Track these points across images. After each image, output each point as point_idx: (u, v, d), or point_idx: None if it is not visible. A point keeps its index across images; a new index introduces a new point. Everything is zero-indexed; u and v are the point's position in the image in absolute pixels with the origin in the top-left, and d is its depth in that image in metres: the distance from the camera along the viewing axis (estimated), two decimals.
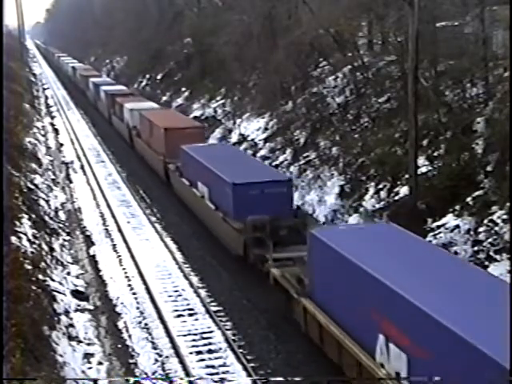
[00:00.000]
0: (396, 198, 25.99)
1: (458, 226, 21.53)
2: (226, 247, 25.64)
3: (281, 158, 35.69)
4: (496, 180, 21.69)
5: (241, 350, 18.83)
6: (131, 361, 18.71)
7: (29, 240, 23.97)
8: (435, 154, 25.76)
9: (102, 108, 64.62)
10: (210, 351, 19.03)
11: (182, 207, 32.60)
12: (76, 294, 22.94)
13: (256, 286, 22.45)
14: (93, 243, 28.62)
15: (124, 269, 25.50)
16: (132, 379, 17.26)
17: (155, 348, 19.34)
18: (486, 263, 19.68)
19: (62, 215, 32.29)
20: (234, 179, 24.84)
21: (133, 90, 67.91)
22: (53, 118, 66.11)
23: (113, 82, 73.11)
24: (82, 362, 18.47)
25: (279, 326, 20.03)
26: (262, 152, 37.87)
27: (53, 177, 40.06)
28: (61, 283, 23.05)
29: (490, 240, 20.13)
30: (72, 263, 26.25)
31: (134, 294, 23.18)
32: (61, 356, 17.92)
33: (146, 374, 17.91)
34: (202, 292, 22.94)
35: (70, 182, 39.99)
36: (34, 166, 37.90)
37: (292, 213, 24.33)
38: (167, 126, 37.19)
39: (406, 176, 25.27)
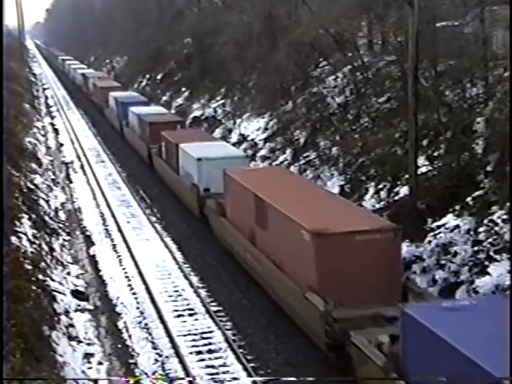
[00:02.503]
0: (396, 197, 25.98)
1: (458, 226, 21.51)
2: None
3: (281, 158, 35.70)
4: (496, 180, 21.68)
5: (241, 350, 18.83)
6: (131, 361, 18.72)
7: (29, 240, 23.97)
8: (435, 154, 25.75)
9: (134, 141, 46.84)
10: (210, 351, 19.04)
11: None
12: (76, 293, 22.94)
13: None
14: (93, 243, 28.63)
15: (124, 269, 25.51)
16: (132, 379, 17.24)
17: (155, 348, 19.35)
18: (486, 263, 19.67)
19: (62, 215, 32.30)
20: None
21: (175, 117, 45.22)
22: (53, 117, 66.11)
23: (144, 100, 54.48)
24: (81, 362, 18.47)
25: (279, 326, 20.03)
26: (262, 152, 37.88)
27: (53, 177, 40.07)
28: (61, 283, 23.05)
29: (490, 240, 20.11)
30: (72, 263, 26.25)
31: (133, 293, 23.19)
32: (61, 356, 17.92)
33: (146, 374, 17.91)
34: (202, 292, 22.95)
35: (70, 181, 39.99)
36: (34, 165, 37.91)
37: None
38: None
39: (406, 176, 25.26)
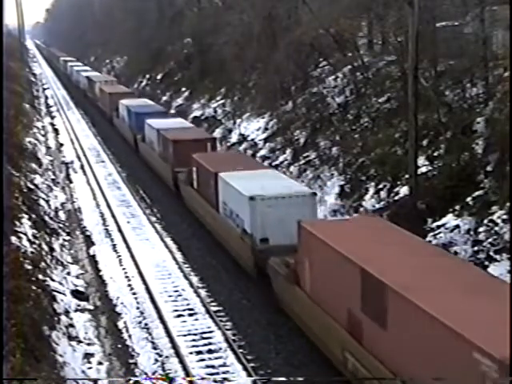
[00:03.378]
0: (396, 197, 25.99)
1: (458, 226, 21.53)
2: None
3: (281, 158, 35.70)
4: (496, 180, 21.69)
5: (241, 350, 18.83)
6: (131, 361, 18.72)
7: (29, 240, 23.97)
8: (435, 154, 25.76)
9: (153, 160, 39.72)
10: (210, 351, 19.03)
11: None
12: (76, 293, 22.94)
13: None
14: (93, 243, 28.62)
15: (124, 269, 25.50)
16: (132, 379, 17.26)
17: (155, 348, 19.34)
18: (486, 263, 19.68)
19: (62, 215, 32.29)
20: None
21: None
22: (53, 117, 66.11)
23: (161, 110, 48.16)
24: (81, 362, 18.47)
25: (279, 326, 20.02)
26: (262, 152, 37.88)
27: (53, 177, 40.07)
28: (61, 283, 23.05)
29: (490, 240, 20.13)
30: (72, 263, 26.25)
31: (133, 293, 23.18)
32: (61, 356, 17.92)
33: (145, 373, 17.92)
34: (202, 292, 22.94)
35: (70, 181, 39.99)
36: (34, 165, 37.91)
37: None
38: None
39: (406, 176, 25.27)
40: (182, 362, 18.39)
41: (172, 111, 55.25)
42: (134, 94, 60.26)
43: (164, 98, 62.34)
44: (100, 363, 18.66)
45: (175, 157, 33.58)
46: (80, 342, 19.57)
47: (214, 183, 26.72)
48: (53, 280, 22.66)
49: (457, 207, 22.31)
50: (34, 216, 27.53)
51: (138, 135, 43.79)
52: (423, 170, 25.06)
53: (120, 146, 49.83)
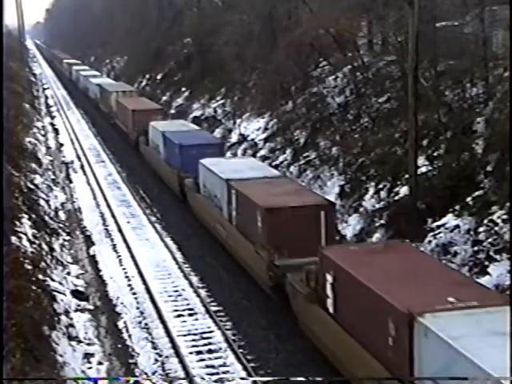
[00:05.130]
0: (396, 197, 25.98)
1: (458, 226, 21.53)
2: None
3: (281, 158, 35.69)
4: (496, 180, 21.69)
5: (241, 350, 18.83)
6: (131, 361, 18.72)
7: (29, 240, 23.97)
8: (435, 154, 25.75)
9: (234, 241, 25.19)
10: (209, 351, 19.04)
11: None
12: (76, 293, 22.95)
13: None
14: (93, 243, 28.63)
15: (124, 269, 25.51)
16: (132, 379, 17.25)
17: (155, 348, 19.35)
18: (486, 263, 19.68)
19: (62, 215, 32.30)
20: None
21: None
22: (53, 117, 66.11)
23: (218, 141, 35.81)
24: (81, 362, 18.48)
25: (279, 326, 20.03)
26: (262, 152, 37.87)
27: (53, 177, 40.08)
28: (61, 283, 23.05)
29: (490, 240, 20.13)
30: (72, 263, 26.26)
31: (133, 293, 23.19)
32: (61, 356, 17.92)
33: (145, 373, 17.92)
34: (202, 292, 22.94)
35: (70, 181, 39.99)
36: (34, 165, 37.90)
37: None
38: None
39: (406, 176, 25.26)
40: (181, 362, 18.39)
41: (172, 111, 55.24)
42: (164, 111, 48.73)
43: (164, 98, 62.33)
44: (100, 363, 18.66)
45: (270, 235, 21.52)
46: (80, 342, 19.57)
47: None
48: (53, 280, 22.66)
49: (457, 207, 22.31)
50: (34, 216, 27.53)
51: (187, 178, 31.15)
52: (423, 169, 25.05)
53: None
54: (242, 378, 17.36)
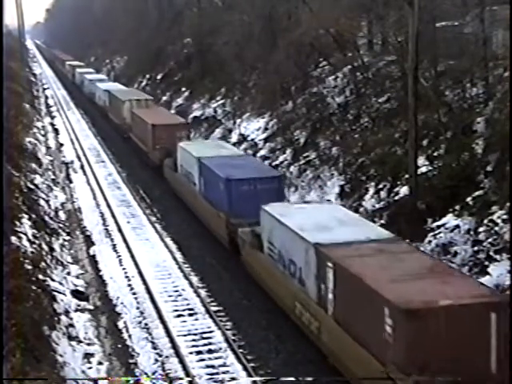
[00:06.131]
0: (396, 197, 25.99)
1: (458, 226, 21.53)
2: None
3: (281, 158, 35.70)
4: (496, 180, 21.69)
5: (241, 350, 18.83)
6: (131, 361, 18.72)
7: (29, 240, 23.97)
8: (435, 154, 25.76)
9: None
10: (210, 351, 19.03)
11: None
12: (76, 293, 22.95)
13: None
14: (93, 243, 28.63)
15: (124, 269, 25.50)
16: (132, 379, 17.25)
17: (155, 348, 19.35)
18: (486, 263, 19.69)
19: (62, 215, 32.29)
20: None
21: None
22: (53, 117, 66.11)
23: (276, 174, 27.43)
24: (82, 362, 18.48)
25: (279, 326, 20.02)
26: (262, 152, 37.88)
27: (53, 177, 40.07)
28: (61, 283, 23.06)
29: (490, 240, 20.13)
30: (72, 263, 26.25)
31: (133, 293, 23.18)
32: (61, 356, 17.92)
33: (145, 373, 17.93)
34: (202, 292, 22.94)
35: (70, 181, 39.99)
36: (34, 165, 37.89)
37: None
38: None
39: (406, 176, 25.27)
40: (181, 361, 18.39)
41: (172, 111, 55.28)
42: (189, 126, 42.26)
43: (164, 98, 62.34)
44: (100, 363, 18.66)
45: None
46: (80, 342, 19.57)
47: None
48: (53, 280, 22.66)
49: (457, 207, 22.31)
50: (34, 216, 27.52)
51: (240, 227, 24.24)
52: (423, 169, 25.06)
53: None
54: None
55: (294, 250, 19.04)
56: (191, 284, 23.59)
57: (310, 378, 13.67)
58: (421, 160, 25.06)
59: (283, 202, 24.33)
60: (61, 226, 30.40)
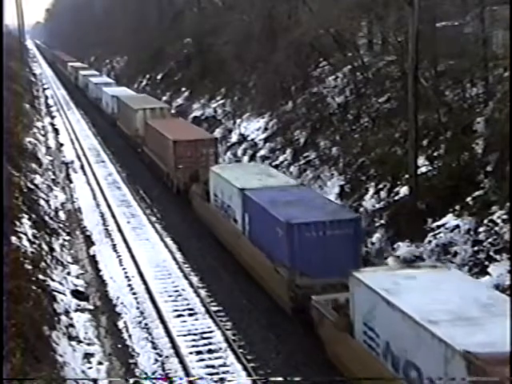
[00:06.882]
0: (396, 197, 25.98)
1: (458, 226, 21.52)
2: None
3: (281, 158, 35.71)
4: (496, 180, 21.69)
5: (241, 350, 18.83)
6: (131, 361, 18.72)
7: (29, 240, 23.97)
8: (435, 154, 25.75)
9: None
10: (210, 351, 19.03)
11: None
12: (76, 293, 22.95)
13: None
14: (93, 243, 28.63)
15: (124, 269, 25.50)
16: (131, 380, 17.26)
17: (155, 348, 19.35)
18: (486, 263, 19.68)
19: (62, 215, 32.29)
20: None
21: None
22: (53, 117, 66.10)
23: (325, 203, 21.93)
24: (81, 362, 18.48)
25: (279, 326, 20.02)
26: (262, 152, 37.89)
27: (53, 177, 40.07)
28: (61, 283, 23.06)
29: (490, 240, 20.12)
30: (72, 263, 26.26)
31: (133, 293, 23.18)
32: (61, 356, 17.92)
33: (145, 373, 17.92)
34: (202, 292, 22.94)
35: (70, 181, 39.99)
36: (34, 165, 37.90)
37: None
38: None
39: (406, 176, 25.26)
40: (181, 362, 18.39)
41: (172, 111, 55.25)
42: (217, 141, 35.63)
43: (164, 98, 62.34)
44: (100, 363, 18.66)
45: None
46: (80, 341, 19.57)
47: None
48: (53, 280, 22.66)
49: (457, 207, 22.30)
50: (34, 216, 27.53)
51: (312, 292, 18.57)
52: (423, 169, 25.05)
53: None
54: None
55: (417, 351, 13.01)
56: (191, 284, 23.53)
57: (310, 379, 13.69)
58: (421, 160, 25.05)
59: (382, 266, 19.56)
60: (61, 225, 30.40)
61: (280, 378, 15.85)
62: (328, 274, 18.11)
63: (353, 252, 19.19)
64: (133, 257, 26.49)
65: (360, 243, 20.47)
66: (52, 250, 25.93)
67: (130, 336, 20.12)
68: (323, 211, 20.60)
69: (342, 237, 19.47)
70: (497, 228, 20.14)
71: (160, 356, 18.88)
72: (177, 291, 23.18)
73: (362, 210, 26.91)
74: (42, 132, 54.79)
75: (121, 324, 20.94)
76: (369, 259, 22.86)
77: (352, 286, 15.66)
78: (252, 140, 40.22)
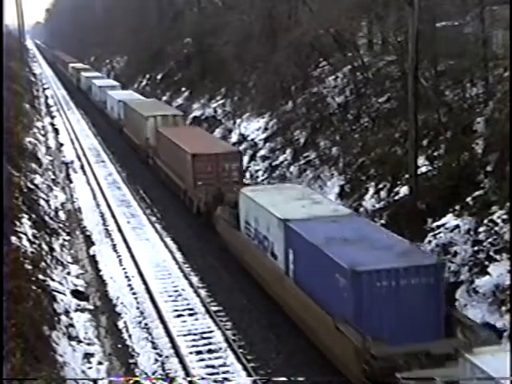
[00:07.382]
0: (396, 197, 25.98)
1: (458, 226, 21.51)
2: None
3: (281, 158, 35.71)
4: (496, 180, 21.68)
5: (241, 350, 18.83)
6: (131, 361, 18.72)
7: (29, 240, 23.97)
8: (435, 153, 25.75)
9: None
10: (210, 351, 19.03)
11: None
12: (76, 293, 22.95)
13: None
14: (93, 243, 28.62)
15: (124, 269, 25.50)
16: (132, 379, 17.25)
17: (155, 348, 19.35)
18: (486, 263, 19.67)
19: (62, 215, 32.29)
20: None
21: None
22: (53, 117, 66.09)
23: (398, 243, 17.43)
24: (81, 362, 18.48)
25: (279, 326, 20.02)
26: (262, 152, 37.89)
27: (53, 177, 40.07)
28: (61, 283, 23.06)
29: (490, 240, 20.11)
30: (72, 263, 26.25)
31: (133, 293, 23.18)
32: (61, 356, 17.92)
33: (145, 373, 17.92)
34: (202, 292, 22.93)
35: (70, 181, 39.99)
36: (34, 165, 37.90)
37: None
38: None
39: (406, 176, 25.26)
40: (181, 361, 18.39)
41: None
42: (241, 155, 31.72)
43: (164, 98, 62.34)
44: (100, 363, 18.66)
45: None
46: (80, 341, 19.57)
47: None
48: (53, 280, 22.66)
49: (457, 207, 22.29)
50: (34, 216, 27.53)
51: (380, 349, 15.01)
52: (423, 169, 25.05)
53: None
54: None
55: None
56: (191, 284, 23.51)
57: (310, 379, 13.67)
58: (421, 160, 25.04)
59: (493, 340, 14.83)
60: (61, 225, 30.39)
61: (281, 378, 15.82)
62: (406, 338, 14.74)
63: (434, 307, 15.66)
64: (133, 257, 26.43)
65: (441, 297, 16.14)
66: (52, 249, 25.93)
67: (129, 336, 20.12)
68: (393, 253, 16.53)
69: (419, 287, 15.73)
70: (497, 228, 20.13)
71: (160, 356, 18.88)
72: (177, 291, 23.17)
73: (362, 209, 26.91)
74: (42, 132, 54.79)
75: (121, 324, 20.94)
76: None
77: (465, 369, 11.50)
78: (252, 140, 40.22)
